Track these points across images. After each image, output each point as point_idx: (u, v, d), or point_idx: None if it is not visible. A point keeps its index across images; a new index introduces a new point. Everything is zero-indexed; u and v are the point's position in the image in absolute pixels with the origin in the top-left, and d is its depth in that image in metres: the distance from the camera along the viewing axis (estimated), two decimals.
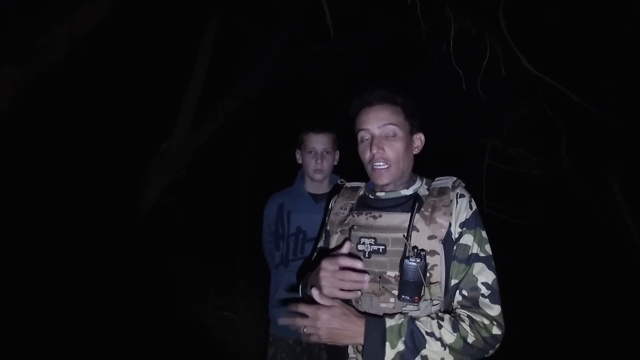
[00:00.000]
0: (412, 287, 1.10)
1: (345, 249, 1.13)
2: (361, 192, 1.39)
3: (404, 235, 1.15)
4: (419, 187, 1.31)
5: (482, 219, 1.23)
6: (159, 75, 4.65)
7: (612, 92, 3.69)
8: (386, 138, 1.25)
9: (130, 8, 2.98)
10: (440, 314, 1.09)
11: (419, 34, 2.55)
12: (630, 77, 3.57)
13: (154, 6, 3.77)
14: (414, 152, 1.33)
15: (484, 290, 1.11)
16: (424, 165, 1.42)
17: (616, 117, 3.43)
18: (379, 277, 1.18)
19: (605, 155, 4.11)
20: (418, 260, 1.10)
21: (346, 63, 5.21)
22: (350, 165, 1.43)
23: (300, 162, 2.08)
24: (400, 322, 1.03)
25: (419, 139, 1.34)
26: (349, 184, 1.45)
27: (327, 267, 1.08)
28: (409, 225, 1.17)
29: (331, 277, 1.07)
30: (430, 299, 1.13)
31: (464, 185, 1.29)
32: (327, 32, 2.12)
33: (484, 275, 1.13)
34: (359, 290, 1.11)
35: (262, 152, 5.81)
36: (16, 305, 2.74)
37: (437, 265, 1.15)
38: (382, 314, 1.12)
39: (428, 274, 1.14)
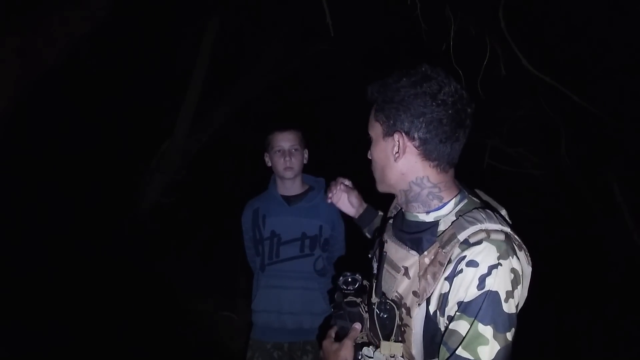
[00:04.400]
0: (375, 330, 1.03)
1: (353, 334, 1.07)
2: None
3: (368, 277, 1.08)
4: (446, 214, 0.94)
5: (500, 308, 0.80)
6: (159, 75, 4.65)
7: (612, 92, 3.69)
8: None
9: (130, 8, 2.98)
10: None
11: (419, 34, 2.55)
12: (630, 76, 3.57)
13: (154, 6, 3.78)
14: (395, 159, 0.96)
15: None
16: None
17: (616, 117, 3.43)
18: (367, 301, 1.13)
19: (605, 155, 4.11)
20: (377, 312, 0.99)
21: (342, 62, 5.20)
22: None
23: (269, 164, 2.04)
24: None
25: (399, 140, 0.94)
26: None
27: (328, 351, 1.06)
28: (378, 267, 1.06)
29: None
30: (390, 356, 0.97)
31: (497, 238, 0.84)
32: (327, 32, 2.12)
33: None
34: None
35: (262, 152, 5.79)
36: (16, 305, 2.74)
37: (408, 326, 0.92)
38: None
39: (400, 330, 0.95)
